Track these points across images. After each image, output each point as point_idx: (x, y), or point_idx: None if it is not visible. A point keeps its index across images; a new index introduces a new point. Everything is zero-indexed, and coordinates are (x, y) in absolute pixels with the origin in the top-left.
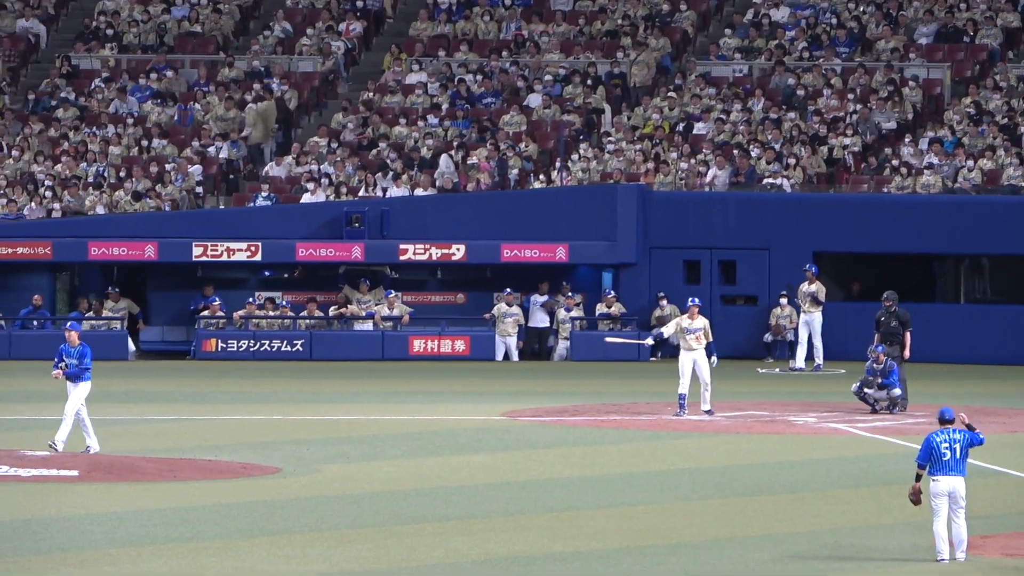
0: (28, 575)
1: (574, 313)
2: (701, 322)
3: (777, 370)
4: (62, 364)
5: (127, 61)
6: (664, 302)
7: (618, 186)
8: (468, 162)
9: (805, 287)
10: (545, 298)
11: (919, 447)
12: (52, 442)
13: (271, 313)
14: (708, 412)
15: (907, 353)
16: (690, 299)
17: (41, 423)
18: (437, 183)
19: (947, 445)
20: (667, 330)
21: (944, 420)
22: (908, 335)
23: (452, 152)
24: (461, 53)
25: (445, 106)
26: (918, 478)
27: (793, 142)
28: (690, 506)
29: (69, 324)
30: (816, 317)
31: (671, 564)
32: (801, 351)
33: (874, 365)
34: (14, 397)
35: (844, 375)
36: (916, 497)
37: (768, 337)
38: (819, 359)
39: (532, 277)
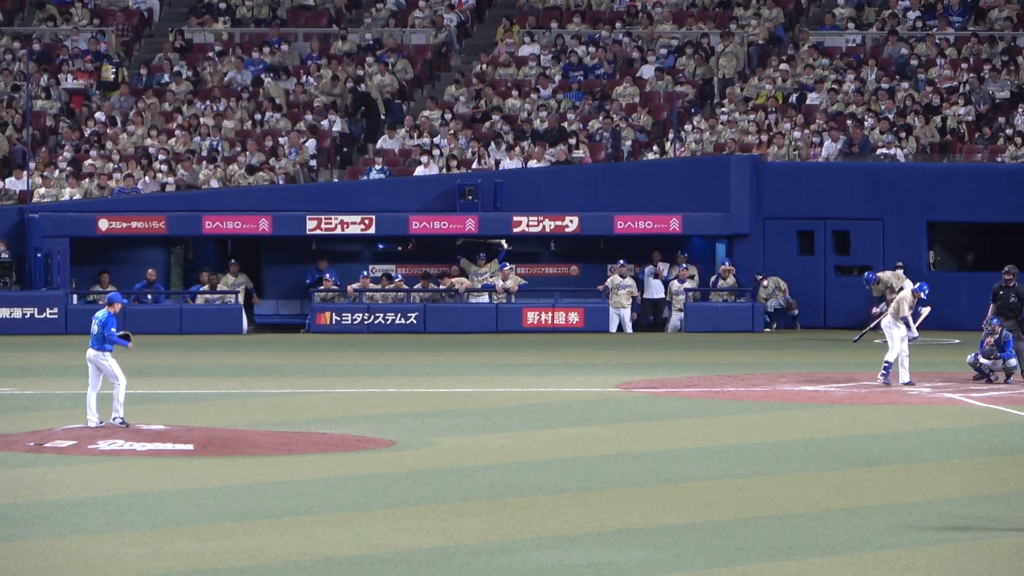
0: (144, 548)
1: (688, 284)
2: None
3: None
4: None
5: (240, 35)
6: (763, 280)
7: (731, 157)
8: (572, 155)
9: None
10: (658, 267)
11: None
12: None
13: (385, 286)
14: (909, 383)
15: None
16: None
17: (157, 397)
18: (545, 158)
19: None
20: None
21: None
22: None
23: (565, 124)
24: (573, 25)
25: (558, 78)
26: None
27: (906, 112)
28: (804, 477)
29: (112, 295)
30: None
31: (786, 535)
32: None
33: (989, 337)
34: (130, 371)
35: (958, 345)
36: None
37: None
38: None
39: (645, 248)
